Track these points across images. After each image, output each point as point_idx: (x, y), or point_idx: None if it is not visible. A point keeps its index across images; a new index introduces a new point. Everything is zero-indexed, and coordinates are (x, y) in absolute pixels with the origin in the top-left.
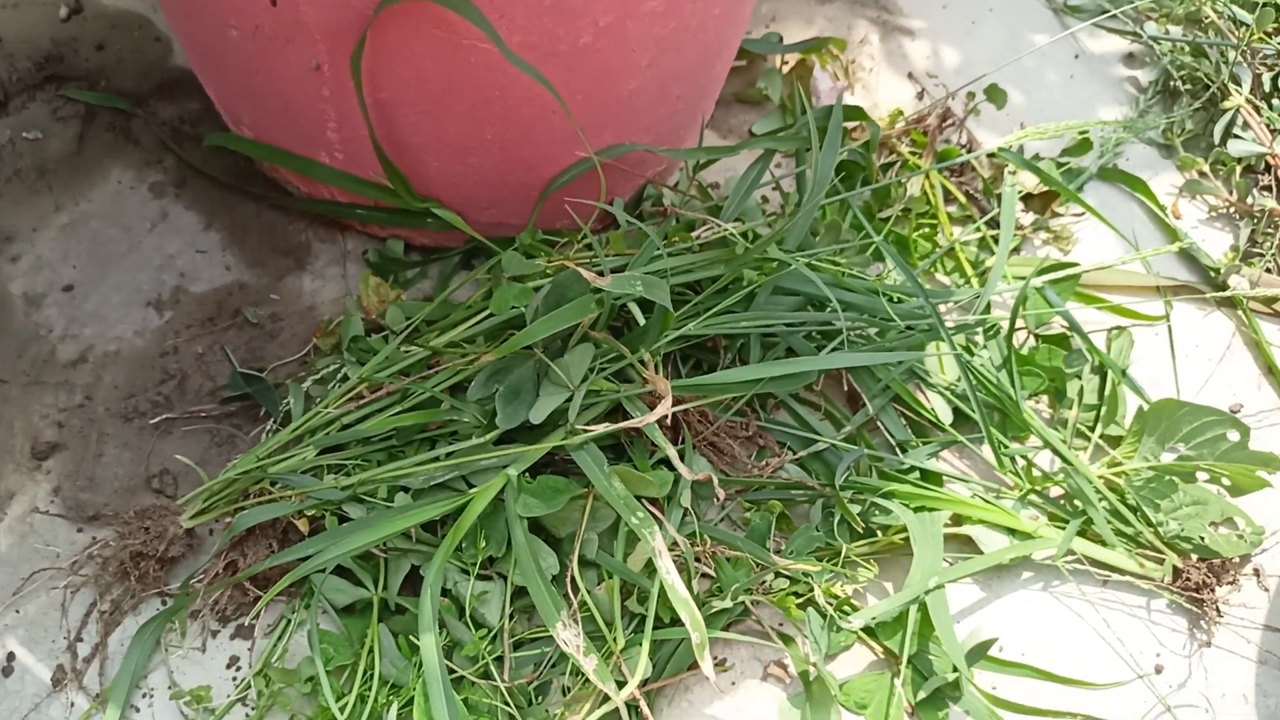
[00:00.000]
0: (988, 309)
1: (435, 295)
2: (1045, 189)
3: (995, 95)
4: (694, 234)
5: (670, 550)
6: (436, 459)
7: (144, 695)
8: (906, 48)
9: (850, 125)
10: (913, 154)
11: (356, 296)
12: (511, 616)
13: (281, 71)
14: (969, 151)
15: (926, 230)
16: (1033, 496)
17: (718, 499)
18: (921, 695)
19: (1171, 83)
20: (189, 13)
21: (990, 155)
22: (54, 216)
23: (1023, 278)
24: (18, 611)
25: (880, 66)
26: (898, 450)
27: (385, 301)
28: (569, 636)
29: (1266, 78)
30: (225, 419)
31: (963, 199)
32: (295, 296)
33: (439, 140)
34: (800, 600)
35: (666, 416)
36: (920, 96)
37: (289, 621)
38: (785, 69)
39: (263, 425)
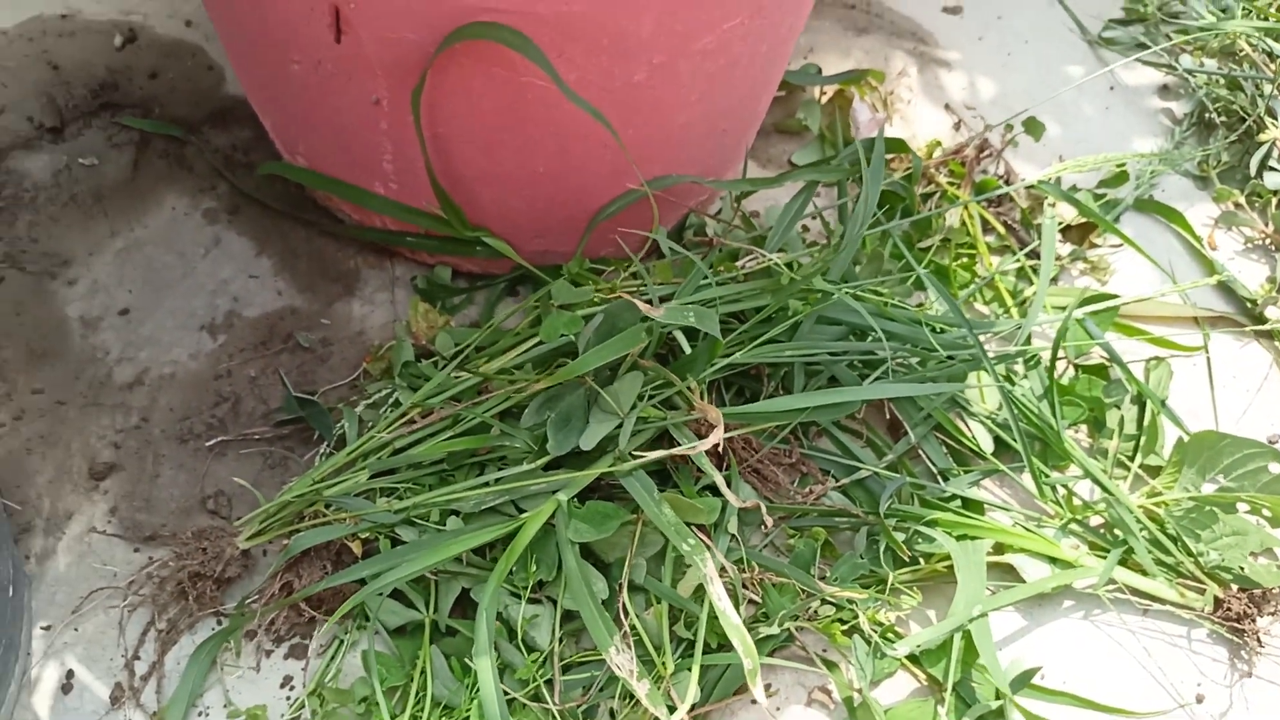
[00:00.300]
0: (1028, 340)
1: (482, 321)
2: (1083, 220)
3: (1033, 128)
4: (738, 263)
5: (719, 576)
6: (488, 484)
7: (200, 714)
8: (943, 79)
9: (889, 155)
10: (951, 184)
11: (406, 322)
12: (560, 640)
13: (341, 105)
14: (1007, 182)
15: (965, 260)
16: (1073, 525)
17: (765, 527)
18: None
19: (1207, 115)
20: (251, 45)
21: (1029, 187)
22: (110, 241)
23: (1062, 308)
24: (76, 630)
25: (917, 97)
26: (939, 478)
27: (434, 327)
28: (622, 661)
29: None
30: (278, 441)
31: (1001, 229)
32: (345, 321)
33: (492, 173)
34: (845, 627)
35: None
36: (957, 127)
37: (342, 642)
38: (824, 99)
39: (314, 448)
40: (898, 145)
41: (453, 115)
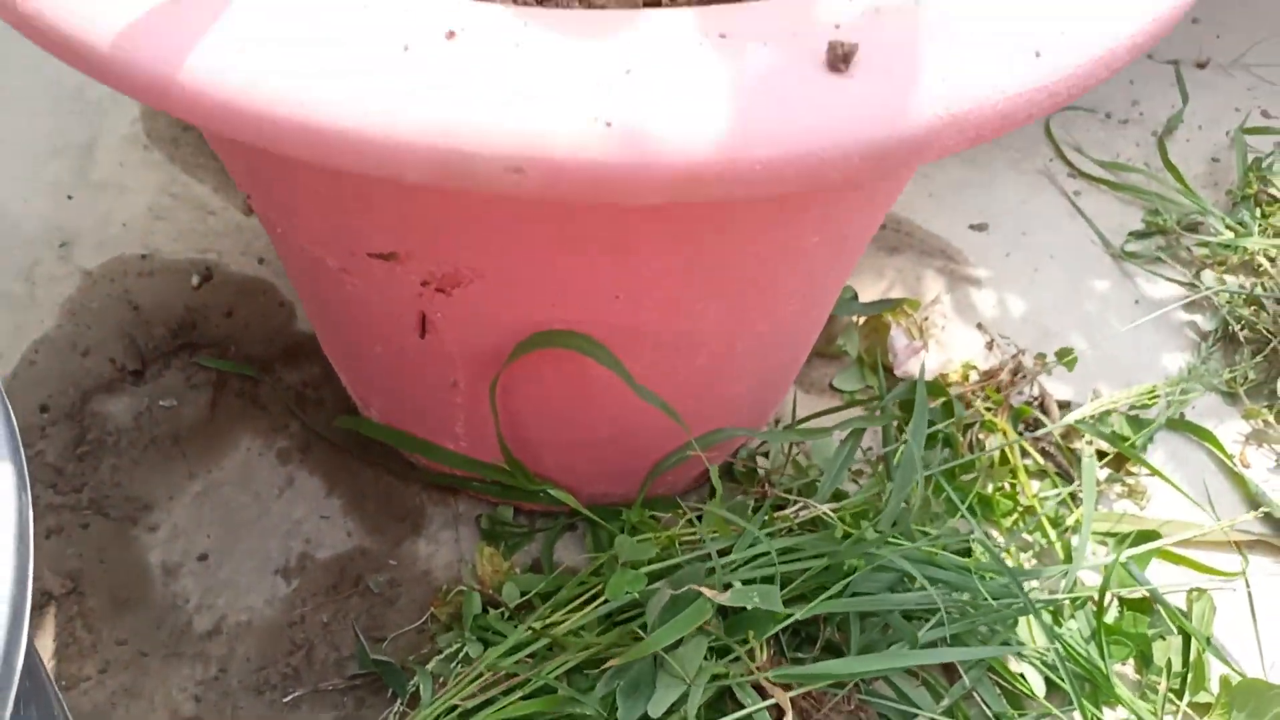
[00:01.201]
0: (1075, 584)
1: (543, 560)
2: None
3: (1065, 358)
4: (789, 511)
5: None
6: None
7: None
8: (973, 296)
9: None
10: (988, 410)
11: (472, 566)
12: None
13: (419, 381)
14: (1041, 407)
15: (1006, 489)
16: None
17: None
18: None
19: (1231, 329)
20: (336, 330)
21: (1067, 424)
22: (188, 484)
23: (1103, 536)
24: None
25: (950, 319)
26: None
27: (499, 572)
28: None
29: None
30: (350, 691)
31: (1038, 457)
32: (411, 562)
33: (557, 439)
34: None
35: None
36: (990, 346)
37: None
38: (860, 322)
39: (386, 701)
40: (938, 390)
41: (524, 397)
